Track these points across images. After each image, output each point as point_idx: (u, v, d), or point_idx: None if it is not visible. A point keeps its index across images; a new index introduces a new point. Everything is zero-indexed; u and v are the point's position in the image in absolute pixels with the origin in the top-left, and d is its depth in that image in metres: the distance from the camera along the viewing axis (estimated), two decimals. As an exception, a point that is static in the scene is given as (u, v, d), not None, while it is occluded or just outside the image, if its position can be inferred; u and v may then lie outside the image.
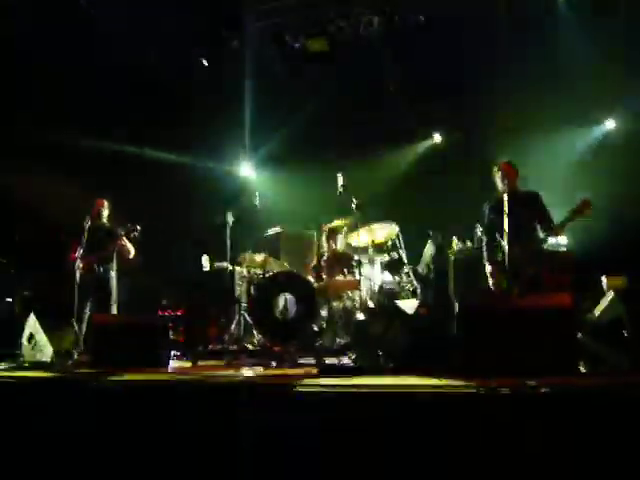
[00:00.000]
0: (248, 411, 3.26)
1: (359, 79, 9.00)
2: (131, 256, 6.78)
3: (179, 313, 8.12)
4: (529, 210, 5.18)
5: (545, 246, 5.51)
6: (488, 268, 5.34)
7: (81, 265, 6.25)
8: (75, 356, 5.43)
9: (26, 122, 8.29)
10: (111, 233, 6.69)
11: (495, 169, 5.45)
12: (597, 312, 3.97)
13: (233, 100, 9.59)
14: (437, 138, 10.01)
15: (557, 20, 7.79)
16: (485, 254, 5.44)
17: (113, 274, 6.77)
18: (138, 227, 6.59)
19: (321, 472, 3.02)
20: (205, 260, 8.51)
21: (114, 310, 6.67)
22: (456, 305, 4.42)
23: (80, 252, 6.25)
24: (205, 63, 7.63)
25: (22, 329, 5.64)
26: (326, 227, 7.10)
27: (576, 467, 2.63)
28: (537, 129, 9.28)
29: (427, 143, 10.15)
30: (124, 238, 6.57)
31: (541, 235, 5.18)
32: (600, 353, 3.58)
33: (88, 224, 6.35)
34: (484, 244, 5.52)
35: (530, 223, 5.19)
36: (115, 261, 6.77)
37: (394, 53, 8.51)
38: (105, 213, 6.90)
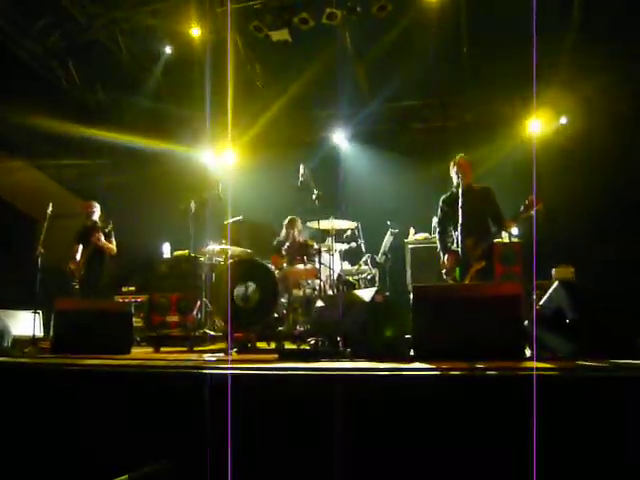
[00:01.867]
0: (212, 396, 3.36)
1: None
2: (113, 253, 7.13)
3: (139, 299, 8.14)
4: (482, 205, 5.37)
5: (496, 239, 5.76)
6: (441, 257, 5.54)
7: (72, 266, 6.89)
8: (37, 342, 5.43)
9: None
10: (92, 232, 6.99)
11: (452, 163, 5.63)
12: (542, 300, 4.19)
13: (197, 88, 9.60)
14: (398, 130, 10.18)
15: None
16: (439, 244, 5.64)
17: (101, 267, 7.09)
18: (109, 226, 7.03)
19: (288, 452, 3.16)
20: (166, 247, 8.54)
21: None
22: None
23: (77, 254, 6.93)
24: (168, 51, 7.58)
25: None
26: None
27: (517, 446, 2.82)
28: (493, 123, 9.60)
29: (389, 135, 10.30)
30: (101, 239, 6.90)
31: (492, 229, 5.39)
32: (544, 339, 3.79)
33: (80, 228, 7.13)
34: (437, 234, 5.72)
35: (482, 217, 5.38)
36: (103, 257, 7.09)
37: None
38: (94, 215, 7.23)
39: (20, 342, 5.84)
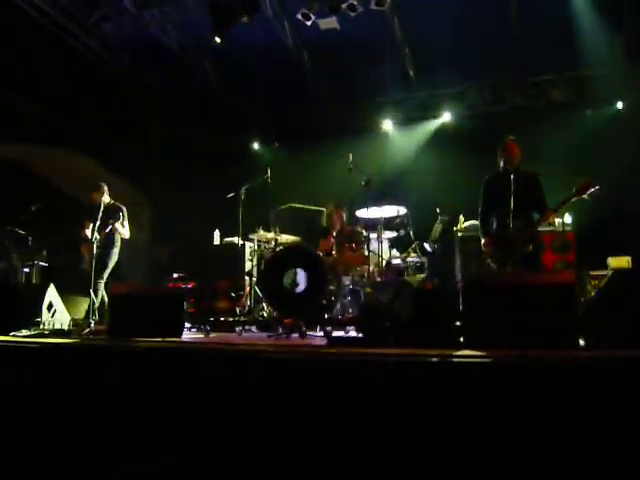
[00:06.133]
0: (261, 378, 3.42)
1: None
2: (126, 237, 7.09)
3: (190, 286, 8.30)
4: (527, 190, 5.17)
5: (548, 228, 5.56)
6: (483, 240, 5.42)
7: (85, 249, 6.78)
8: (92, 325, 5.61)
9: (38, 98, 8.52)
10: (104, 215, 6.65)
11: (500, 146, 5.51)
12: (597, 290, 4.09)
13: (245, 76, 9.68)
14: (446, 117, 10.09)
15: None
16: (480, 225, 5.53)
17: (114, 250, 6.99)
18: (121, 209, 6.93)
19: (332, 438, 3.19)
20: (216, 235, 8.68)
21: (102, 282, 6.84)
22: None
23: (89, 229, 6.68)
24: (218, 40, 7.63)
25: (42, 298, 5.85)
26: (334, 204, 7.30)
27: (570, 436, 2.77)
28: (546, 109, 9.37)
29: (437, 122, 10.26)
30: (115, 224, 6.71)
31: (535, 217, 5.25)
32: (597, 328, 3.70)
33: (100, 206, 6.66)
34: (479, 217, 5.59)
35: (528, 202, 5.19)
36: (117, 238, 7.02)
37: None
38: (105, 197, 6.94)
39: (77, 325, 6.06)
